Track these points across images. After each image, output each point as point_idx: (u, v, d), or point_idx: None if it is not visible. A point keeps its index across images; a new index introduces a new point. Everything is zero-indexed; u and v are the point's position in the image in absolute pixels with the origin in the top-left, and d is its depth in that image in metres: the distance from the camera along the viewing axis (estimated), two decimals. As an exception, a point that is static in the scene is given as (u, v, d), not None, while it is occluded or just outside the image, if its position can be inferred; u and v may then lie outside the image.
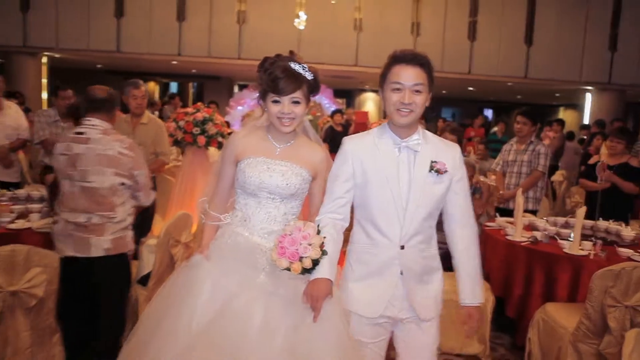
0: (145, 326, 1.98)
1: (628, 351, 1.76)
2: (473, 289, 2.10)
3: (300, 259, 1.85)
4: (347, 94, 18.32)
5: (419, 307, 2.05)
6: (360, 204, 2.09)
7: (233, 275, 1.96)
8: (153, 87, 19.20)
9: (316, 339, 1.84)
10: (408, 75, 1.94)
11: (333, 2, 8.58)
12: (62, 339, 2.83)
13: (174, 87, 20.92)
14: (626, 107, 11.80)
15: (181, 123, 4.48)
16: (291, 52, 2.07)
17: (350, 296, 2.08)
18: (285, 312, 1.89)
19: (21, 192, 4.12)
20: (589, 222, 4.26)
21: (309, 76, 2.03)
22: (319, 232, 1.94)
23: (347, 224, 2.08)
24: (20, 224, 3.29)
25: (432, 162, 2.00)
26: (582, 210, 3.56)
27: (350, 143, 2.08)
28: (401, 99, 1.93)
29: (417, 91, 1.94)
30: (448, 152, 2.06)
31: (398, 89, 1.94)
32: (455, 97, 17.52)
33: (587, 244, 3.60)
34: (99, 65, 13.10)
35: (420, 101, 1.95)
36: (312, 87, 2.05)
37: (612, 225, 4.17)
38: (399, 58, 1.97)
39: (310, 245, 1.86)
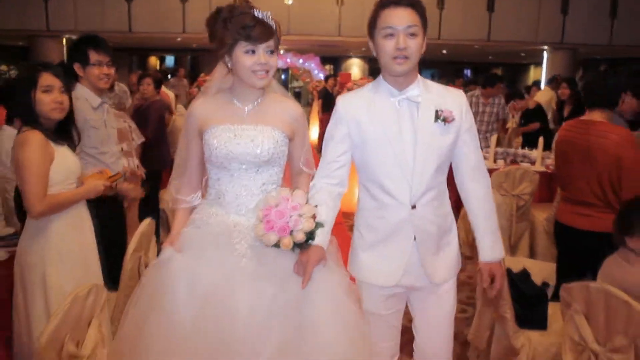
0: (124, 339, 1.70)
1: (462, 215, 3.13)
2: (493, 246, 1.90)
3: (291, 232, 1.62)
4: (333, 60, 19.52)
5: (433, 272, 1.86)
6: (361, 165, 1.88)
7: (209, 266, 1.70)
8: (155, 61, 20.35)
9: (310, 311, 1.64)
10: (400, 17, 1.71)
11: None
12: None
13: (170, 60, 21.97)
14: (578, 63, 13.11)
15: (202, 88, 5.78)
16: (246, 1, 1.76)
17: (362, 266, 1.90)
18: (274, 294, 1.66)
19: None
20: (514, 150, 5.71)
21: (274, 25, 1.74)
22: (307, 201, 1.72)
23: (344, 189, 1.89)
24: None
25: (437, 110, 1.78)
26: (494, 137, 4.98)
27: (343, 101, 1.88)
28: (396, 45, 1.71)
29: (412, 34, 1.71)
30: (454, 99, 1.84)
31: (391, 35, 1.71)
32: (433, 60, 18.72)
33: (500, 162, 5.04)
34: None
35: (416, 45, 1.72)
36: (278, 38, 1.77)
37: (527, 151, 5.60)
38: (387, 1, 1.74)
39: (301, 216, 1.64)
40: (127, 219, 4.07)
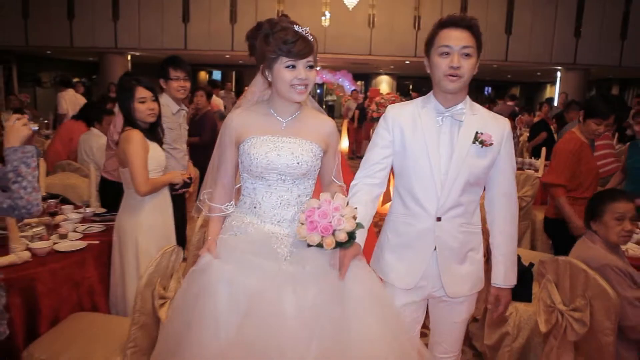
0: (167, 346, 1.64)
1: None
2: (506, 273, 1.86)
3: (334, 232, 1.59)
4: (364, 77, 19.86)
5: (450, 284, 1.82)
6: (399, 172, 1.86)
7: (251, 272, 1.63)
8: (204, 75, 21.09)
9: (351, 300, 1.59)
10: (457, 38, 1.69)
11: (350, 9, 10.04)
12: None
13: (217, 74, 22.72)
14: (590, 83, 13.14)
15: (240, 100, 6.20)
16: (284, 15, 1.73)
17: (385, 266, 1.88)
18: (317, 291, 1.60)
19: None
20: (521, 159, 5.99)
21: (312, 40, 1.67)
22: (348, 204, 1.66)
23: (383, 189, 1.86)
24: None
25: (477, 132, 1.74)
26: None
27: (392, 110, 1.86)
28: (450, 63, 1.68)
29: (467, 55, 1.69)
30: (496, 125, 1.79)
31: (447, 53, 1.69)
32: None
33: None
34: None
35: (469, 66, 1.70)
36: (316, 53, 1.70)
37: (533, 160, 5.86)
38: (446, 22, 1.73)
39: (342, 216, 1.60)
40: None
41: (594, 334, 2.03)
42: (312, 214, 1.59)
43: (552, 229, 3.19)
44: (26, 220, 2.63)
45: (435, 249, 1.79)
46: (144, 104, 2.59)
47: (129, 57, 12.28)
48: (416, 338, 1.83)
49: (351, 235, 1.61)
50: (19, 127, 1.64)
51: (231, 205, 1.81)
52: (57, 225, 2.74)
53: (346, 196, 1.77)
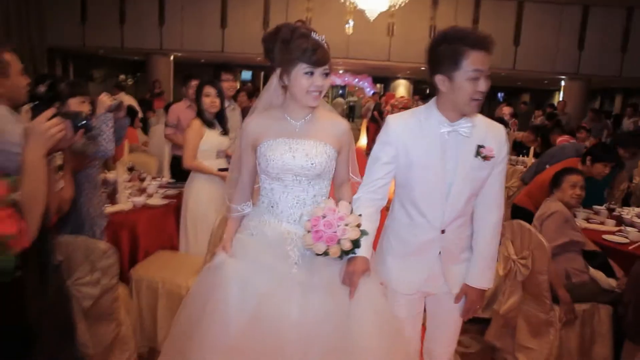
0: (176, 342, 1.67)
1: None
2: (483, 273, 1.82)
3: (339, 241, 1.58)
4: (383, 80, 20.51)
5: (452, 282, 1.83)
6: (402, 184, 1.81)
7: (263, 273, 1.64)
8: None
9: (355, 319, 1.59)
10: (486, 62, 1.61)
11: (371, 20, 10.63)
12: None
13: (246, 74, 23.55)
14: (592, 92, 13.54)
15: (255, 104, 6.88)
16: (301, 21, 1.74)
17: (388, 271, 1.85)
18: (323, 301, 1.60)
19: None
20: (514, 157, 6.60)
21: (327, 48, 1.65)
22: (352, 211, 1.65)
23: (385, 203, 1.81)
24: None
25: (479, 146, 1.70)
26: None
27: (395, 123, 1.77)
28: (480, 88, 1.60)
29: (487, 76, 1.63)
30: (495, 135, 1.75)
31: (477, 78, 1.60)
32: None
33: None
34: (202, 60, 15.74)
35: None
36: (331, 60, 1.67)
37: (523, 157, 6.48)
38: (476, 44, 1.59)
39: (347, 225, 1.60)
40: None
41: (534, 275, 2.70)
42: (317, 223, 1.59)
43: (516, 214, 3.82)
44: (125, 183, 3.40)
45: (439, 253, 1.81)
46: (208, 98, 3.32)
47: (172, 58, 13.08)
48: (415, 355, 1.86)
49: (356, 244, 1.62)
50: (105, 100, 2.47)
51: (249, 205, 1.84)
52: (144, 189, 3.50)
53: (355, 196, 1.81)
